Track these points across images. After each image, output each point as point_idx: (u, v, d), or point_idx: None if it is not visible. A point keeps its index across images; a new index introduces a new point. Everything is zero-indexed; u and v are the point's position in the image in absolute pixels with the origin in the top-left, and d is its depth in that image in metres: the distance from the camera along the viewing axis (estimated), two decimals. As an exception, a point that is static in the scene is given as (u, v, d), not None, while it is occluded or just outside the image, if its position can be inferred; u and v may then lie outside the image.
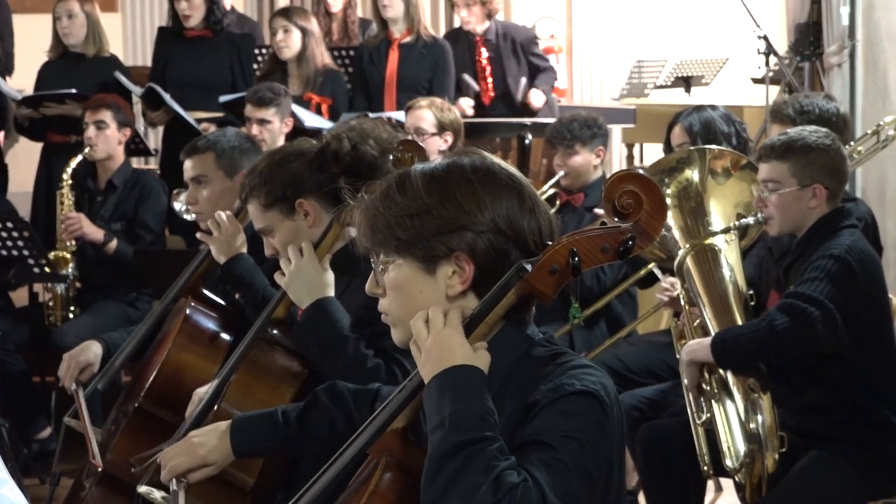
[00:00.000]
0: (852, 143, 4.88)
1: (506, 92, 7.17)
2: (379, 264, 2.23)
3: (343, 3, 7.51)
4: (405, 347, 2.18)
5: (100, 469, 3.64)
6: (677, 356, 3.99)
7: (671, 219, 4.14)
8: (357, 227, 2.25)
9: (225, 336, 3.75)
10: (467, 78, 7.03)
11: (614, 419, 2.08)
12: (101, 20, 6.63)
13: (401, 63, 6.75)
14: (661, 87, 8.87)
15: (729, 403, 3.75)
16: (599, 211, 5.02)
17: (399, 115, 6.05)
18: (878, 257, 3.93)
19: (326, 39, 7.15)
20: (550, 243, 2.13)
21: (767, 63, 6.89)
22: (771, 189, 3.79)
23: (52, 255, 5.62)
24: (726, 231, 4.05)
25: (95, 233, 5.63)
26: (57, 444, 4.33)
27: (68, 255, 5.68)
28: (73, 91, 6.32)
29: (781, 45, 7.97)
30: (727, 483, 4.80)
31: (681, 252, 4.05)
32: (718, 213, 4.15)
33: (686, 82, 8.85)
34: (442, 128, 5.56)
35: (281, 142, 5.60)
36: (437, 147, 5.41)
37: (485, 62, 7.16)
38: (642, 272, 4.90)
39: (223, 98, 6.40)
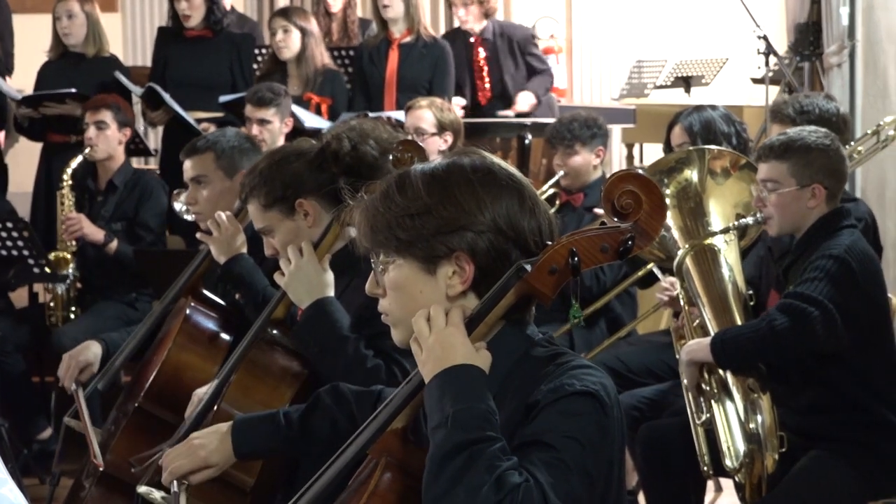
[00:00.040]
0: (852, 143, 4.88)
1: (503, 92, 7.16)
2: (379, 264, 2.23)
3: (343, 3, 7.51)
4: (405, 347, 2.18)
5: (101, 469, 3.64)
6: (677, 356, 3.99)
7: (670, 219, 4.14)
8: (357, 227, 2.25)
9: (225, 336, 3.75)
10: None
11: (614, 419, 2.08)
12: (101, 20, 6.64)
13: (401, 63, 6.75)
14: (661, 87, 8.87)
15: (728, 403, 3.75)
16: (599, 211, 5.03)
17: (399, 115, 6.05)
18: (877, 257, 3.93)
19: (326, 39, 7.15)
20: (550, 243, 2.13)
21: (767, 63, 6.90)
22: (770, 189, 3.79)
23: (52, 255, 5.62)
24: (725, 231, 4.06)
25: (96, 233, 5.63)
26: (57, 444, 4.33)
27: (69, 256, 5.68)
28: (73, 90, 6.32)
29: (781, 45, 7.97)
30: (727, 483, 4.81)
31: (680, 252, 4.06)
32: (718, 214, 4.15)
33: (686, 82, 8.86)
34: (442, 128, 5.57)
35: (281, 142, 5.60)
36: (436, 147, 5.42)
37: (482, 62, 7.15)
38: (641, 272, 4.90)
39: (223, 98, 6.40)
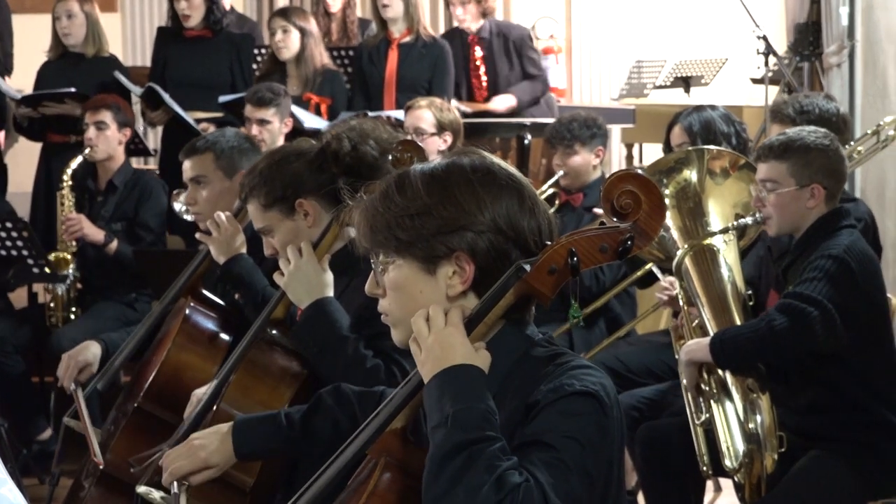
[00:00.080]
0: (852, 143, 4.88)
1: (498, 92, 7.13)
2: (379, 265, 2.22)
3: (342, 3, 7.51)
4: (405, 348, 2.18)
5: (101, 467, 3.64)
6: (676, 356, 3.99)
7: (669, 219, 4.14)
8: (356, 227, 2.25)
9: (224, 336, 3.75)
10: None
11: (614, 419, 2.08)
12: (100, 20, 6.63)
13: (400, 63, 6.75)
14: (661, 87, 8.87)
15: (728, 403, 3.75)
16: (599, 211, 5.03)
17: (398, 115, 6.05)
18: (876, 257, 3.93)
19: (325, 39, 7.15)
20: (549, 243, 2.13)
21: (767, 63, 6.89)
22: (769, 189, 3.79)
23: (52, 256, 5.62)
24: (725, 231, 4.06)
25: (96, 234, 5.62)
26: (56, 445, 4.33)
27: (69, 257, 5.68)
28: (73, 90, 6.32)
29: (781, 46, 7.97)
30: (726, 483, 4.81)
31: (679, 252, 4.06)
32: (717, 214, 4.15)
33: (685, 82, 8.85)
34: (441, 128, 5.57)
35: (280, 142, 5.60)
36: (436, 147, 5.42)
37: (478, 61, 7.14)
38: (640, 272, 4.90)
39: (223, 98, 6.40)
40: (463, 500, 1.95)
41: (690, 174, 4.21)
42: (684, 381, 3.84)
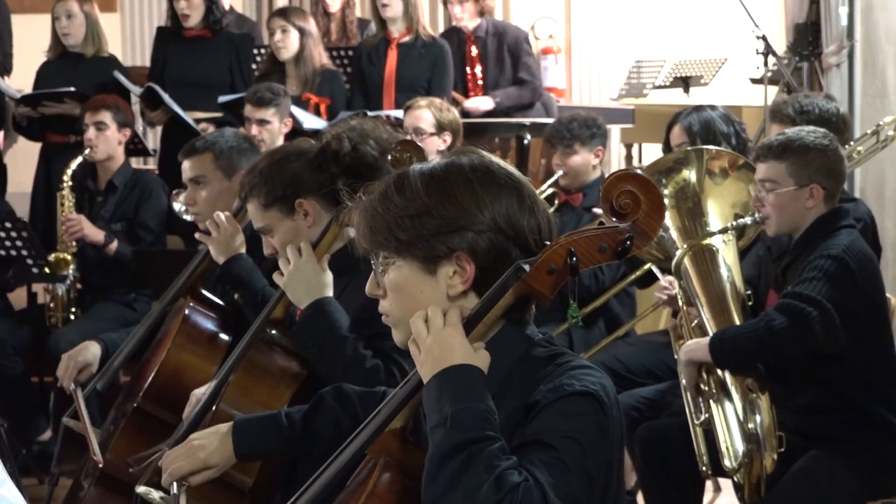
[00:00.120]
0: (852, 143, 4.88)
1: (490, 90, 7.12)
2: (379, 265, 2.22)
3: (341, 3, 7.51)
4: (406, 348, 2.18)
5: (101, 466, 3.64)
6: (675, 356, 3.99)
7: (669, 219, 4.14)
8: (356, 228, 2.25)
9: (223, 336, 3.75)
10: None
11: (614, 419, 2.08)
12: (99, 20, 6.63)
13: (399, 63, 6.74)
14: (660, 87, 8.87)
15: (727, 403, 3.75)
16: (598, 211, 5.03)
17: (398, 115, 6.05)
18: (875, 257, 3.93)
19: (325, 39, 7.15)
20: (549, 243, 2.13)
21: (766, 63, 6.89)
22: (768, 189, 3.79)
23: (52, 256, 5.62)
24: (724, 231, 4.06)
25: (96, 234, 5.62)
26: (56, 445, 4.33)
27: (69, 257, 5.68)
28: (72, 89, 6.32)
29: (780, 46, 7.97)
30: (726, 483, 4.81)
31: (678, 252, 4.06)
32: (716, 214, 4.15)
33: (685, 82, 8.86)
34: (441, 128, 5.56)
35: (280, 142, 5.60)
36: (435, 147, 5.41)
37: (474, 60, 7.13)
38: (639, 272, 4.90)
39: (222, 98, 6.39)
40: (462, 499, 1.95)
41: (689, 174, 4.21)
42: (683, 381, 3.84)
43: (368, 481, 2.13)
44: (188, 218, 4.36)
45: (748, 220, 3.98)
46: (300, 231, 3.30)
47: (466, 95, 7.05)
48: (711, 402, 3.78)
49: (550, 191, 5.45)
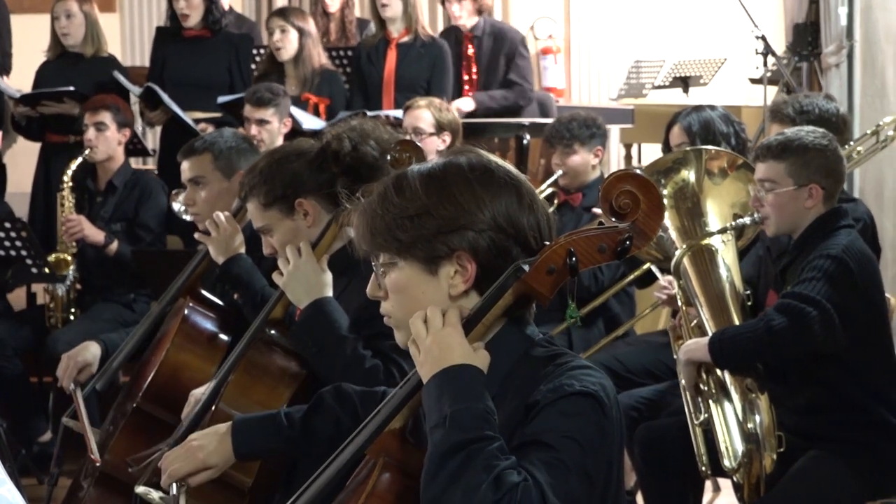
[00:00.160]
0: (851, 143, 4.88)
1: (486, 90, 7.10)
2: (380, 267, 2.22)
3: (340, 3, 7.51)
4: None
5: (98, 465, 3.64)
6: (675, 356, 3.99)
7: (668, 219, 4.14)
8: (355, 230, 2.24)
9: (223, 336, 3.75)
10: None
11: (613, 420, 2.08)
12: (99, 20, 6.64)
13: (399, 63, 6.75)
14: (660, 87, 8.86)
15: (727, 403, 3.75)
16: (598, 210, 5.03)
17: (397, 115, 6.05)
18: (874, 257, 3.93)
19: (324, 40, 7.15)
20: (548, 243, 2.14)
21: (765, 63, 6.89)
22: (767, 189, 3.79)
23: (52, 257, 5.62)
24: (723, 231, 4.06)
25: (96, 235, 5.62)
26: (55, 445, 4.33)
27: (69, 258, 5.68)
28: (71, 89, 6.32)
29: (779, 46, 7.97)
30: (725, 483, 4.81)
31: (678, 252, 4.06)
32: (715, 214, 4.15)
33: (684, 82, 8.85)
34: (440, 128, 5.57)
35: (279, 142, 5.60)
36: (435, 147, 5.41)
37: (470, 59, 7.12)
38: (638, 272, 4.89)
39: (221, 99, 6.39)
40: (461, 499, 1.95)
41: (689, 174, 4.21)
42: (683, 381, 3.84)
43: (368, 481, 2.13)
44: (187, 218, 4.36)
45: (747, 220, 3.98)
46: (300, 231, 3.30)
47: (461, 95, 7.04)
48: (711, 402, 3.78)
49: (550, 190, 5.45)
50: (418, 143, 3.11)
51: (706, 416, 3.78)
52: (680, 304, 4.11)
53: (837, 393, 3.72)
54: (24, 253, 5.39)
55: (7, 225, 5.37)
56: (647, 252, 4.30)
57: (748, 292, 4.00)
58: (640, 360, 4.81)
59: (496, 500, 1.93)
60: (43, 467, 5.24)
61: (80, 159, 5.74)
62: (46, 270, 5.47)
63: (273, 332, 3.31)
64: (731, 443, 3.70)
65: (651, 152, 8.03)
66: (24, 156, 7.43)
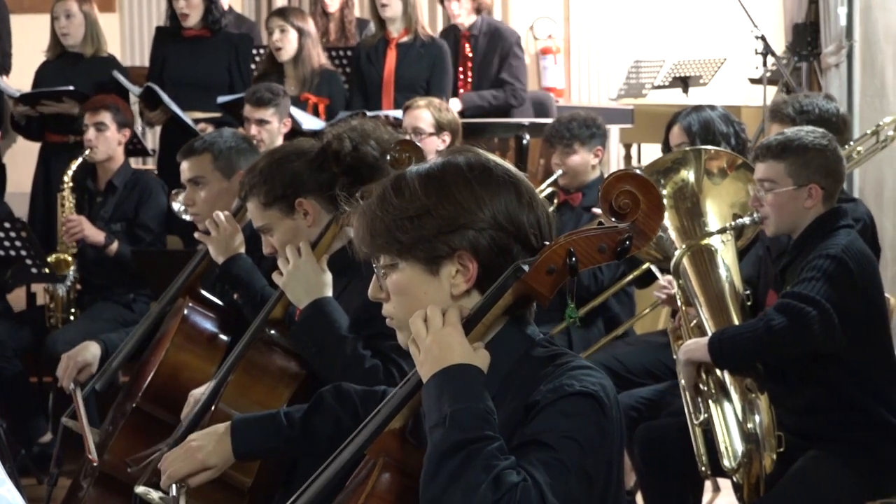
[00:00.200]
0: (851, 143, 4.88)
1: (480, 89, 7.09)
2: (380, 269, 2.22)
3: (340, 3, 7.51)
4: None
5: (95, 464, 3.64)
6: (674, 356, 3.99)
7: (667, 219, 4.14)
8: (355, 233, 2.24)
9: (222, 336, 3.75)
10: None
11: (613, 420, 2.08)
12: (99, 20, 6.64)
13: (398, 63, 6.74)
14: (659, 87, 8.86)
15: (726, 403, 3.75)
16: (598, 210, 5.03)
17: (397, 115, 6.05)
18: (874, 257, 3.93)
19: (323, 40, 7.15)
20: (548, 243, 2.14)
21: (765, 63, 6.89)
22: (767, 189, 3.79)
23: (53, 257, 5.62)
24: (722, 231, 4.06)
25: (96, 235, 5.62)
26: (55, 446, 4.33)
27: (69, 258, 5.67)
28: (71, 88, 6.32)
29: (779, 46, 7.97)
30: (725, 483, 4.81)
31: (677, 252, 4.06)
32: (714, 214, 4.15)
33: (684, 82, 8.85)
34: (440, 128, 5.57)
35: (279, 142, 5.60)
36: (434, 147, 5.41)
37: (466, 58, 7.11)
38: (637, 271, 4.89)
39: (221, 99, 6.39)
40: (460, 499, 1.95)
41: (688, 174, 4.21)
42: (682, 381, 3.84)
43: (368, 481, 2.13)
44: (187, 218, 4.36)
45: (747, 220, 3.98)
46: (300, 230, 3.30)
47: (457, 94, 7.04)
48: (710, 402, 3.78)
49: (549, 190, 5.45)
50: (418, 144, 3.11)
51: (706, 416, 3.78)
52: (679, 304, 4.11)
53: (837, 393, 3.72)
54: (23, 253, 5.39)
55: (7, 225, 5.37)
56: (647, 252, 4.30)
57: (748, 292, 4.00)
58: (640, 361, 4.81)
59: (495, 500, 1.93)
60: (43, 467, 5.24)
61: (80, 159, 5.74)
62: (46, 270, 5.47)
63: (273, 332, 3.31)
64: (730, 443, 3.70)
65: (651, 152, 8.03)
66: (23, 156, 7.44)
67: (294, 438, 2.66)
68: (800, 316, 3.58)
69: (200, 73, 6.63)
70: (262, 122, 5.72)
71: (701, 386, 3.81)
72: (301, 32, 6.54)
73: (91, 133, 5.72)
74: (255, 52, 6.95)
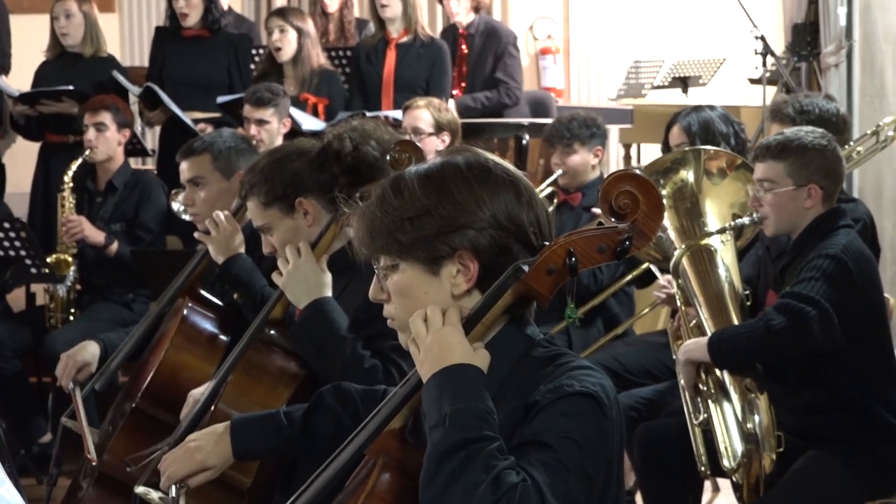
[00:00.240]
0: (851, 143, 4.88)
1: (474, 89, 7.08)
2: (381, 270, 2.22)
3: (339, 4, 7.51)
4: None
5: (94, 464, 3.64)
6: (674, 356, 3.99)
7: (667, 219, 4.14)
8: (355, 234, 2.24)
9: (222, 337, 3.74)
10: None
11: (613, 420, 2.08)
12: (98, 20, 6.63)
13: (398, 63, 6.74)
14: (659, 87, 8.86)
15: (726, 403, 3.75)
16: (598, 210, 5.03)
17: (396, 115, 6.05)
18: (873, 257, 3.93)
19: (323, 40, 7.14)
20: (547, 243, 2.14)
21: (764, 63, 6.89)
22: (766, 189, 3.79)
23: (53, 257, 5.62)
24: (722, 231, 4.06)
25: (97, 236, 5.62)
26: (55, 446, 4.33)
27: (70, 259, 5.67)
28: (70, 87, 6.32)
29: (778, 46, 7.97)
30: (724, 483, 4.81)
31: (676, 253, 4.06)
32: (714, 214, 4.15)
33: (683, 83, 8.85)
34: (439, 128, 5.57)
35: (279, 142, 5.60)
36: (434, 147, 5.41)
37: (462, 58, 7.11)
38: (637, 271, 4.89)
39: (221, 99, 6.39)
40: (460, 499, 1.95)
41: (687, 174, 4.21)
42: (682, 381, 3.84)
43: (367, 482, 2.13)
44: (187, 218, 4.35)
45: (746, 220, 3.98)
46: (300, 230, 3.30)
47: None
48: (710, 402, 3.78)
49: (549, 190, 5.45)
50: (417, 144, 3.11)
51: (705, 416, 3.78)
52: (679, 304, 4.11)
53: (837, 393, 3.72)
54: (23, 253, 5.39)
55: (6, 225, 5.37)
56: (646, 252, 4.30)
57: (747, 292, 4.00)
58: (640, 361, 4.81)
59: (495, 501, 1.93)
60: (42, 467, 5.24)
61: (80, 160, 5.74)
62: (45, 271, 5.47)
63: (272, 332, 3.31)
64: (730, 443, 3.70)
65: (650, 152, 8.03)
66: (23, 156, 7.43)
67: (294, 438, 2.66)
68: (799, 316, 3.58)
69: (200, 73, 6.63)
70: (261, 123, 5.72)
71: (700, 386, 3.81)
72: (300, 32, 6.54)
73: (91, 133, 5.72)
74: (254, 52, 6.95)
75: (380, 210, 2.18)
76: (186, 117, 6.41)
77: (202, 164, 4.12)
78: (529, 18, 9.71)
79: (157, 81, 6.58)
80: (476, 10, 7.10)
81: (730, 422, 3.72)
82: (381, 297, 2.24)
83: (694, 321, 4.01)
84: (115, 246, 5.61)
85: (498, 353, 2.13)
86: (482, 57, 7.04)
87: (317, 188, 3.28)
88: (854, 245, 3.72)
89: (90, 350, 4.18)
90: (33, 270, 5.45)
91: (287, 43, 6.52)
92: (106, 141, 5.74)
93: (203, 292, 3.86)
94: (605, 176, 2.42)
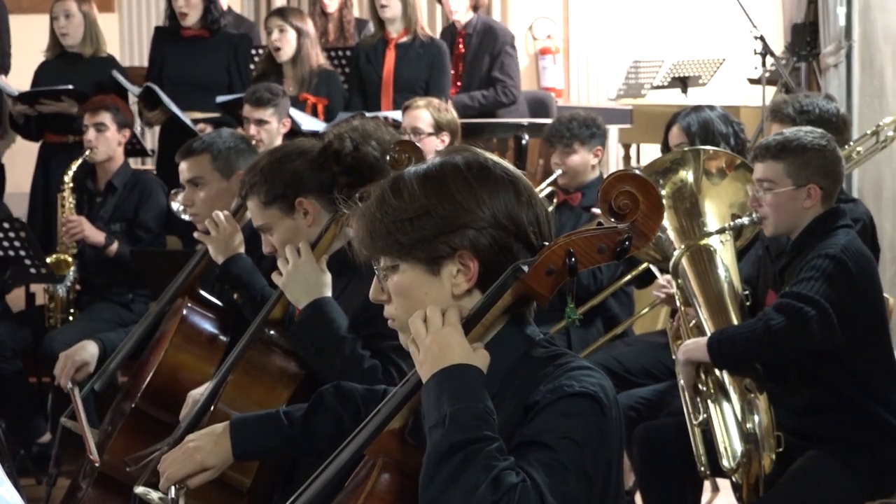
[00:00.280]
0: (851, 143, 4.88)
1: (470, 88, 7.08)
2: (381, 271, 2.22)
3: (339, 4, 7.51)
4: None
5: (97, 464, 3.64)
6: (674, 356, 3.99)
7: (666, 220, 4.14)
8: (355, 235, 2.24)
9: (222, 337, 3.74)
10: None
11: (613, 420, 2.08)
12: (98, 20, 6.64)
13: (397, 63, 6.74)
14: (658, 87, 8.86)
15: (725, 403, 3.75)
16: (597, 210, 5.03)
17: (396, 115, 6.05)
18: (873, 257, 3.93)
19: (322, 40, 7.14)
20: (547, 243, 2.14)
21: (764, 63, 6.89)
22: (766, 189, 3.80)
23: (53, 257, 5.61)
24: (721, 231, 4.06)
25: (97, 236, 5.62)
26: (54, 446, 4.33)
27: (70, 259, 5.67)
28: (70, 87, 6.32)
29: (778, 46, 7.97)
30: (724, 483, 4.81)
31: (676, 253, 4.06)
32: (713, 214, 4.15)
33: (683, 83, 8.84)
34: (439, 128, 5.57)
35: (278, 142, 5.60)
36: (434, 147, 5.41)
37: (459, 57, 7.10)
38: (636, 271, 4.89)
39: (220, 99, 6.39)
40: (459, 499, 1.95)
41: (686, 175, 4.21)
42: (682, 382, 3.84)
43: (367, 482, 2.13)
44: (186, 218, 4.35)
45: (745, 220, 3.98)
46: (300, 230, 3.30)
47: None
48: (710, 402, 3.78)
49: (549, 190, 5.45)
50: (417, 144, 3.11)
51: (705, 416, 3.78)
52: (678, 304, 4.11)
53: (836, 393, 3.72)
54: (22, 253, 5.39)
55: (6, 225, 5.37)
56: (646, 252, 4.30)
57: (747, 292, 4.00)
58: (639, 361, 4.81)
59: (494, 501, 1.93)
60: (42, 468, 5.24)
61: (80, 160, 5.74)
62: (44, 271, 5.46)
63: (272, 332, 3.31)
64: (729, 443, 3.70)
65: (650, 152, 8.03)
66: (22, 156, 7.43)
67: (294, 438, 2.65)
68: (799, 316, 3.58)
69: (199, 73, 6.63)
70: (261, 123, 5.72)
71: (700, 386, 3.81)
72: (300, 32, 6.54)
73: (91, 133, 5.72)
74: (253, 52, 6.95)
75: (379, 211, 2.18)
76: (186, 117, 6.41)
77: (202, 165, 4.12)
78: (529, 18, 9.71)
79: (157, 81, 6.58)
80: (475, 8, 7.10)
81: (729, 422, 3.72)
82: (381, 298, 2.24)
83: (693, 321, 4.01)
84: (114, 246, 5.61)
85: (498, 353, 2.13)
86: (479, 56, 7.03)
87: (317, 188, 3.28)
88: (853, 245, 3.72)
89: (89, 350, 4.19)
90: (33, 270, 5.44)
91: (286, 43, 6.52)
92: (106, 141, 5.74)
93: (203, 292, 3.86)
94: (605, 176, 2.42)
